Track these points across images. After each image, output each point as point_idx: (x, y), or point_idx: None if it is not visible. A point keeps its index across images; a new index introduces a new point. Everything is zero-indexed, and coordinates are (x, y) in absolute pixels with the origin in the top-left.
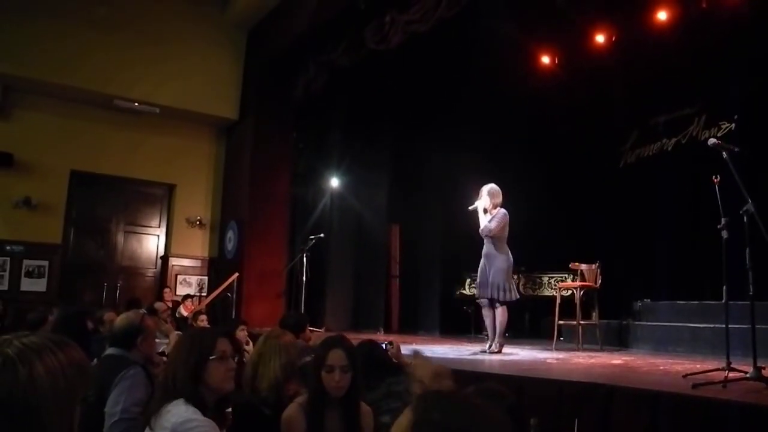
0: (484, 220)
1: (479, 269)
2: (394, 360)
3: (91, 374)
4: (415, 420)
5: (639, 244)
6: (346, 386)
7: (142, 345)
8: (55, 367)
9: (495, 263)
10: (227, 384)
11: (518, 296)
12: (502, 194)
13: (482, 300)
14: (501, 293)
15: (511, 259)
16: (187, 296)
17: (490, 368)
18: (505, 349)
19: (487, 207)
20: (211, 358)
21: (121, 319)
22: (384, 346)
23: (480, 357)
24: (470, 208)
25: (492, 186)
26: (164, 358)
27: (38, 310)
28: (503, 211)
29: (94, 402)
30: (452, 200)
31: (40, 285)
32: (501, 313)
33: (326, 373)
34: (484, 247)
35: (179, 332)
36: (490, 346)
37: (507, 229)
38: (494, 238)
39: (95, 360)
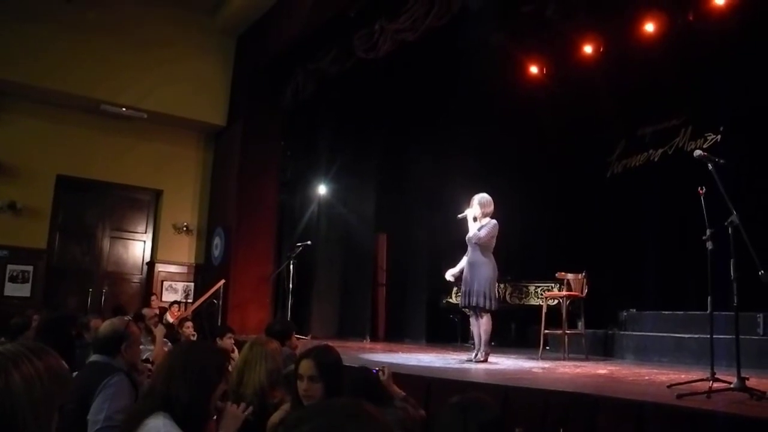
0: (473, 228)
1: (462, 278)
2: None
3: (70, 382)
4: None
5: (625, 254)
6: (315, 396)
7: (127, 352)
8: (32, 375)
9: (479, 271)
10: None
11: (497, 306)
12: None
13: (468, 309)
14: (484, 301)
15: (496, 268)
16: (174, 303)
17: (475, 377)
18: (491, 358)
19: (477, 216)
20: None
21: (105, 326)
22: (374, 371)
23: (466, 366)
24: (459, 216)
25: (483, 195)
26: (149, 365)
27: (22, 315)
28: (494, 221)
29: (78, 409)
30: (439, 209)
31: (24, 290)
32: (485, 322)
33: (298, 382)
34: (469, 255)
35: (166, 339)
36: (476, 354)
37: (495, 239)
38: (481, 246)
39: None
